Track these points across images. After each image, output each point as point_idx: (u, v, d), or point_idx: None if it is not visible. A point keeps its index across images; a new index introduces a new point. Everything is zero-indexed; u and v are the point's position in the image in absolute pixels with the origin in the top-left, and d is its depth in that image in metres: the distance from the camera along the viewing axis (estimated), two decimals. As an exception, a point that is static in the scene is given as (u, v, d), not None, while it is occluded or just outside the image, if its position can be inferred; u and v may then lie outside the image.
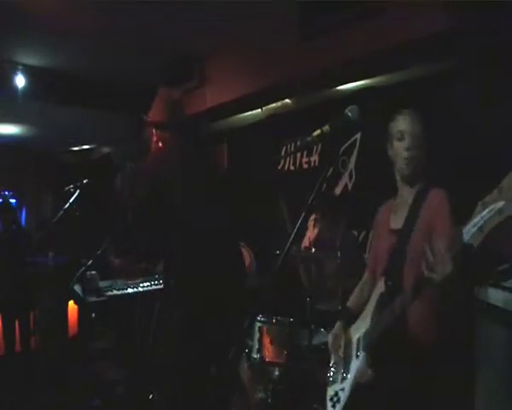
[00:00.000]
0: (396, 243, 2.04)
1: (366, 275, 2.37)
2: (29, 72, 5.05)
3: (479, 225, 1.42)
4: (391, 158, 2.13)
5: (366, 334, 2.05)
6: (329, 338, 2.29)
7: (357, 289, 2.39)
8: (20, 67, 5.00)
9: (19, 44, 4.69)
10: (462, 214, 1.77)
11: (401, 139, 2.05)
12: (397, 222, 2.10)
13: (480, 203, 1.44)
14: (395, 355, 1.94)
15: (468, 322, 2.22)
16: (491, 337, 2.08)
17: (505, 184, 1.88)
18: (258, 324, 3.23)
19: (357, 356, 2.08)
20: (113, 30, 4.37)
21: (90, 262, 2.84)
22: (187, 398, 2.49)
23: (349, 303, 2.37)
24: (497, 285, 2.08)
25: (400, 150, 2.05)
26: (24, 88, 5.03)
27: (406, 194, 2.11)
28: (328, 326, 3.33)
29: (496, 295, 2.08)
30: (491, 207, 1.41)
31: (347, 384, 2.09)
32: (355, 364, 2.08)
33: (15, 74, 4.97)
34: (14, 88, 4.99)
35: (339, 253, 3.38)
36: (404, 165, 2.05)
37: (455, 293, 1.76)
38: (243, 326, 1.60)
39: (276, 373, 3.19)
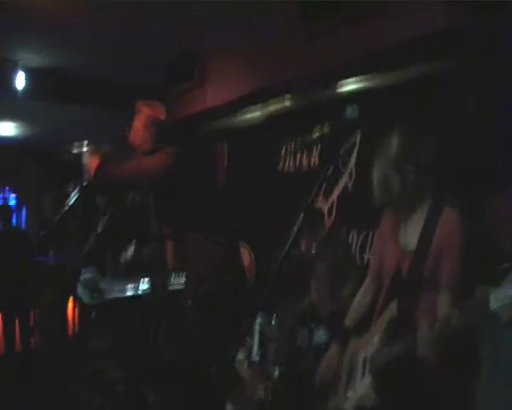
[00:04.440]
0: (409, 265, 1.99)
1: (368, 281, 2.35)
2: (29, 71, 5.05)
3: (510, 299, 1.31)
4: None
5: (374, 358, 2.01)
6: (323, 363, 2.29)
7: (357, 298, 2.36)
8: (20, 67, 5.00)
9: (19, 44, 4.68)
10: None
11: (395, 164, 2.02)
12: (408, 240, 2.05)
13: None
14: (401, 381, 1.92)
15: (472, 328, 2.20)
16: (494, 338, 2.07)
17: None
18: (259, 323, 3.23)
19: (363, 377, 2.04)
20: (113, 29, 4.37)
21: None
22: (187, 397, 2.49)
23: (347, 321, 2.32)
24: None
25: (395, 175, 2.02)
26: (24, 87, 5.02)
27: (416, 209, 2.06)
28: (329, 328, 3.34)
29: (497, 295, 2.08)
30: None
31: (350, 404, 2.07)
32: (360, 385, 2.05)
33: (15, 74, 4.97)
34: (14, 87, 4.99)
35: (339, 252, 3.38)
36: (402, 188, 2.02)
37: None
38: (243, 325, 1.60)
39: (276, 373, 3.19)
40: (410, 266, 1.98)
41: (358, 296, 2.37)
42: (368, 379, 2.01)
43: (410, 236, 2.04)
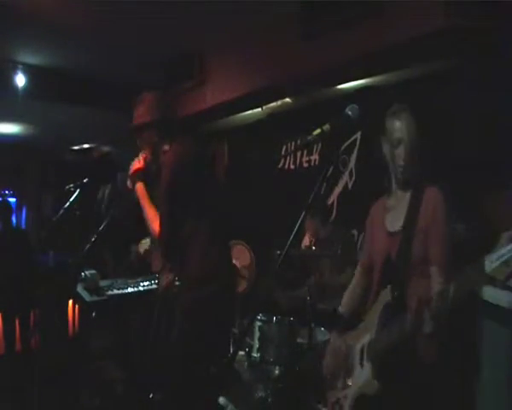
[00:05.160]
0: (397, 248, 2.00)
1: (358, 273, 2.32)
2: (29, 71, 5.05)
3: (504, 258, 1.38)
4: (385, 158, 2.08)
5: (371, 344, 2.00)
6: (328, 352, 2.23)
7: (349, 290, 2.33)
8: (20, 66, 5.00)
9: (19, 43, 4.69)
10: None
11: (397, 147, 2.00)
12: (394, 224, 2.06)
13: (505, 235, 1.41)
14: (401, 367, 1.90)
15: (472, 323, 2.20)
16: (495, 337, 2.07)
17: None
18: (259, 323, 3.23)
19: (362, 365, 2.03)
20: (113, 29, 4.37)
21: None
22: (187, 397, 2.48)
23: (341, 308, 2.30)
24: (502, 286, 2.07)
25: (396, 158, 2.01)
26: (24, 87, 5.03)
27: (401, 194, 2.07)
28: (329, 325, 3.34)
29: (500, 296, 2.07)
30: None
31: (350, 393, 2.06)
32: (359, 373, 2.04)
33: (15, 73, 4.98)
34: (15, 87, 4.99)
35: (339, 251, 3.39)
36: (400, 173, 2.03)
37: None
38: (243, 325, 1.60)
39: (276, 372, 3.19)
40: (398, 249, 1.99)
41: (350, 289, 2.33)
42: (368, 367, 1.99)
43: (396, 219, 2.05)
